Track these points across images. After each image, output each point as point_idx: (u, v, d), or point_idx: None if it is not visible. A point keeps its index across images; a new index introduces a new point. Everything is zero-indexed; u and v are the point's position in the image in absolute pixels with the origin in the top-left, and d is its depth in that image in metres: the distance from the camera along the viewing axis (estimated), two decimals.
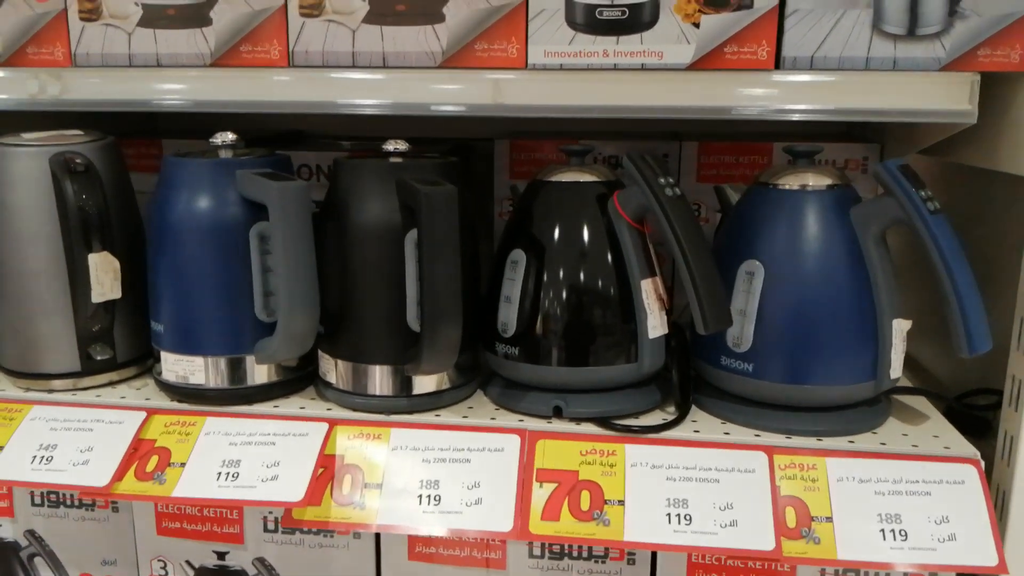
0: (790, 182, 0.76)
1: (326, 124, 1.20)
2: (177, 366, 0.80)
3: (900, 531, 0.68)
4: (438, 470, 0.75)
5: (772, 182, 0.77)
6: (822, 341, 0.74)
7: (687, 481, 0.71)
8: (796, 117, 0.71)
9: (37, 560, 0.90)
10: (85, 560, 0.89)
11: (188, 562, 0.85)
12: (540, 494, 0.72)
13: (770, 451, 0.72)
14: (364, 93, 0.75)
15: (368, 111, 0.75)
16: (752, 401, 0.76)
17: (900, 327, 0.74)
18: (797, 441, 0.74)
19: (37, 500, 0.88)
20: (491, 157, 1.04)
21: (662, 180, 0.73)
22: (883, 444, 0.73)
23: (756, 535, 0.68)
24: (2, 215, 0.80)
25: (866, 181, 0.96)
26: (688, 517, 0.69)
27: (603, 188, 0.78)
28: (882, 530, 0.68)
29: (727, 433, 0.75)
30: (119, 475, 0.75)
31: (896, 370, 0.75)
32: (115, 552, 0.88)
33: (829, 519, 0.69)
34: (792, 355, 0.74)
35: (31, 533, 0.89)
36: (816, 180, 0.76)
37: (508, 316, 0.78)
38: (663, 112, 0.72)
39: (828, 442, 0.74)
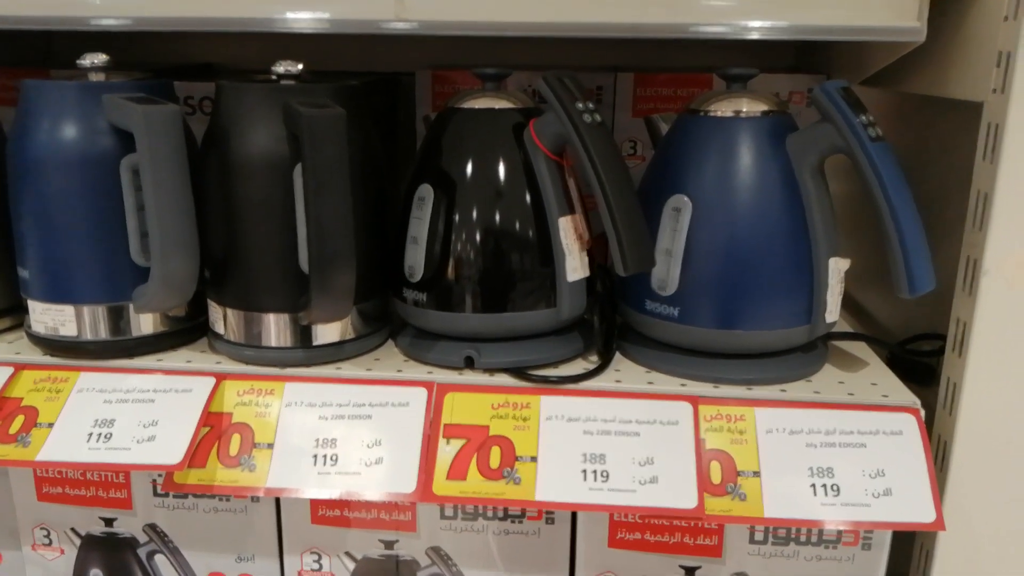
0: (722, 108, 0.70)
1: (253, 59, 1.11)
2: (45, 316, 0.72)
3: (832, 486, 0.63)
4: (336, 428, 0.68)
5: (703, 109, 0.70)
6: (753, 282, 0.68)
7: (605, 435, 0.66)
8: (754, 36, 0.64)
9: None
10: None
11: (73, 529, 0.78)
12: (447, 451, 0.66)
13: (695, 401, 0.67)
14: (302, 5, 0.66)
15: (304, 27, 0.66)
16: (678, 348, 0.71)
17: (837, 266, 0.69)
18: (725, 390, 0.68)
19: None
20: (411, 91, 0.96)
21: (580, 105, 0.66)
22: (817, 393, 0.68)
23: (677, 492, 0.63)
24: None
25: (811, 114, 0.89)
26: (605, 474, 0.64)
27: (520, 116, 0.71)
28: (813, 485, 0.63)
29: (651, 383, 0.69)
30: None
31: (833, 313, 0.70)
32: None
33: (756, 474, 0.64)
34: (721, 298, 0.68)
35: None
36: (751, 106, 0.69)
37: (415, 259, 0.71)
38: (613, 31, 0.65)
39: (758, 391, 0.68)
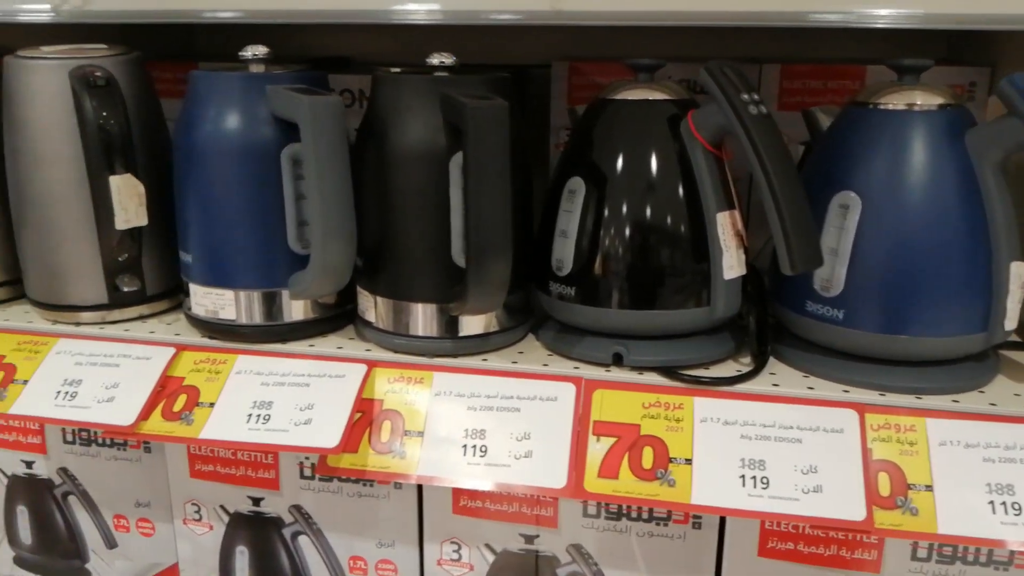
0: (894, 101, 0.66)
1: (375, 54, 1.12)
2: (206, 299, 0.74)
3: (1013, 504, 0.59)
4: (484, 419, 0.68)
5: (873, 101, 0.67)
6: (927, 285, 0.64)
7: (764, 440, 0.63)
8: (881, 24, 0.60)
9: (71, 499, 0.87)
10: (118, 501, 0.85)
11: (222, 507, 0.81)
12: (597, 449, 0.65)
13: (861, 409, 0.64)
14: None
15: (419, 19, 0.67)
16: (841, 352, 0.67)
17: (1019, 271, 0.64)
18: (892, 399, 0.65)
19: (69, 437, 0.85)
20: (546, 83, 0.95)
21: (745, 96, 0.64)
22: (992, 404, 0.64)
23: (844, 503, 0.60)
24: (22, 135, 0.75)
25: (973, 110, 0.84)
26: (765, 480, 0.61)
27: (675, 108, 0.69)
28: (991, 502, 0.59)
29: (811, 388, 0.66)
30: (145, 414, 0.70)
31: (1012, 321, 0.65)
32: (148, 494, 0.84)
33: (929, 488, 0.61)
34: (890, 301, 0.64)
35: (64, 471, 0.86)
36: (925, 99, 0.65)
37: (564, 252, 0.70)
38: (730, 19, 0.62)
39: (928, 400, 0.65)
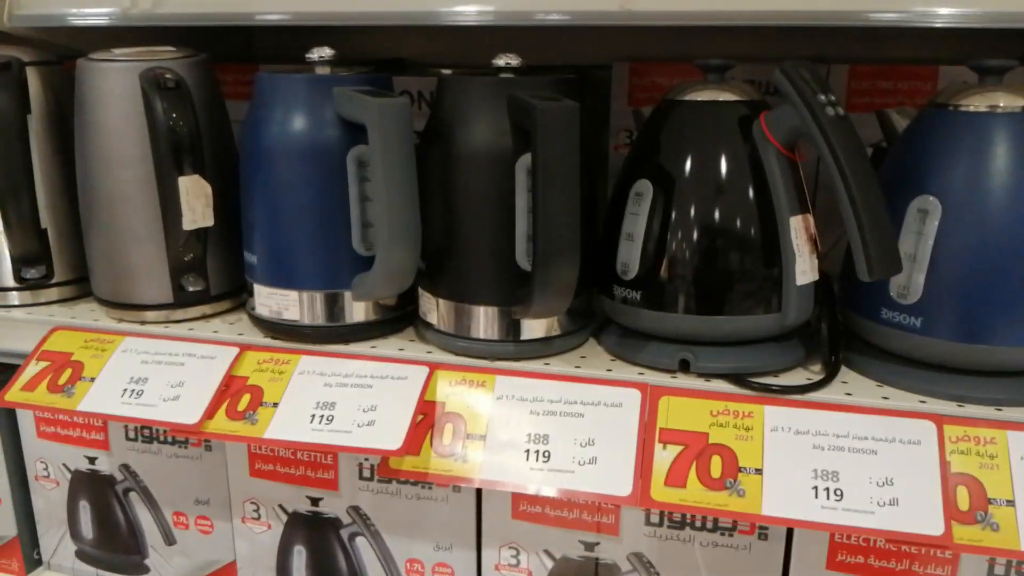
0: (976, 103, 0.64)
1: (422, 55, 1.12)
2: (270, 300, 0.75)
3: None
4: (548, 424, 0.67)
5: (953, 103, 0.65)
6: (1009, 293, 0.62)
7: (838, 451, 0.62)
8: (939, 23, 0.59)
9: (132, 495, 0.88)
10: (178, 498, 0.86)
11: (281, 506, 0.81)
12: (664, 456, 0.64)
13: (939, 420, 0.62)
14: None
15: (470, 20, 0.67)
16: (917, 361, 0.65)
17: None
18: (971, 410, 0.63)
19: (131, 435, 0.86)
20: (606, 84, 0.95)
21: (822, 97, 0.62)
22: None
23: (921, 517, 0.58)
24: (92, 136, 0.76)
25: None
26: (839, 492, 0.60)
27: (746, 109, 0.68)
28: None
29: (886, 398, 0.65)
30: (210, 413, 0.71)
31: None
32: (208, 492, 0.85)
33: (1011, 503, 0.59)
34: (971, 309, 0.62)
35: (126, 467, 0.87)
36: (1008, 100, 0.63)
37: (630, 256, 0.69)
38: (784, 19, 0.62)
39: (1009, 412, 0.62)
